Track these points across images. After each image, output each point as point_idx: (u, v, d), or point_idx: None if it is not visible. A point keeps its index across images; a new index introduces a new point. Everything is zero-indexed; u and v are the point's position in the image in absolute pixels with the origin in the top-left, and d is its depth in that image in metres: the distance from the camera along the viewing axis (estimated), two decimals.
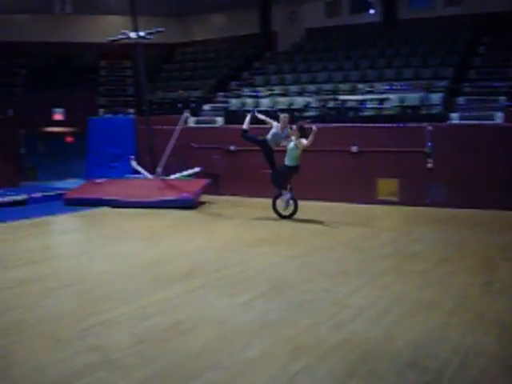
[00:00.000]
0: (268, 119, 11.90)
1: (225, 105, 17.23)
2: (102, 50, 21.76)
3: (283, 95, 16.44)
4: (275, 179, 11.50)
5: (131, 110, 19.28)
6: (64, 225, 12.33)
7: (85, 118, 16.95)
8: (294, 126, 11.30)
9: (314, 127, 10.70)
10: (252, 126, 12.02)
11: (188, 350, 5.01)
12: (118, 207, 13.30)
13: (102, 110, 19.54)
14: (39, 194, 14.31)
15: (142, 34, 15.20)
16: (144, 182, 14.92)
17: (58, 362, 4.76)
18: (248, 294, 6.63)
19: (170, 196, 13.48)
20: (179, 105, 17.88)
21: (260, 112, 12.25)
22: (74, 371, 4.58)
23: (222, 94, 18.20)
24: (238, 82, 18.81)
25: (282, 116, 11.71)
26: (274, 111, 15.47)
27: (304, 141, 10.90)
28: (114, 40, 15.77)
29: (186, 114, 15.75)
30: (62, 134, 19.82)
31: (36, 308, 6.24)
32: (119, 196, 13.65)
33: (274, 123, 11.66)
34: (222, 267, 7.92)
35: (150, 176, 15.33)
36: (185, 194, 13.43)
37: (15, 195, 14.00)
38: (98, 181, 15.06)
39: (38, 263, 8.36)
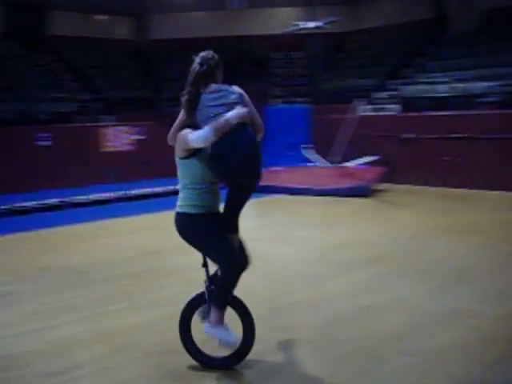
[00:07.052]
0: None
1: (398, 92, 16.94)
2: (274, 41, 22.21)
3: (460, 81, 15.83)
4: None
5: (305, 100, 19.49)
6: (245, 210, 12.72)
7: (259, 108, 17.37)
8: None
9: None
10: None
11: (378, 333, 5.05)
12: (295, 194, 13.54)
13: (275, 100, 19.96)
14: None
15: (318, 24, 15.33)
16: (320, 170, 15.09)
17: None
18: (435, 282, 6.52)
19: (346, 184, 13.52)
20: (352, 93, 17.85)
21: None
22: (268, 347, 4.75)
23: (395, 81, 17.90)
24: (411, 69, 18.39)
25: None
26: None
27: None
28: (291, 31, 16.03)
29: (358, 102, 15.69)
30: None
31: None
32: (296, 183, 13.90)
33: None
34: (405, 255, 7.85)
35: (326, 164, 15.46)
36: (361, 182, 13.41)
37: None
38: (275, 168, 15.47)
39: None
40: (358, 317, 5.48)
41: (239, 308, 4.48)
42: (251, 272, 7.03)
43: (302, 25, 15.40)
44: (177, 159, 4.25)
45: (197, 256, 7.68)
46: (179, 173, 4.27)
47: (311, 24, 15.21)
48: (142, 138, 16.18)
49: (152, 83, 21.10)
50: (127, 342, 5.05)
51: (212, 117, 4.03)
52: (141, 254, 8.30)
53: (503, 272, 6.89)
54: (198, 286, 6.55)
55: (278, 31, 19.14)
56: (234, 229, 4.44)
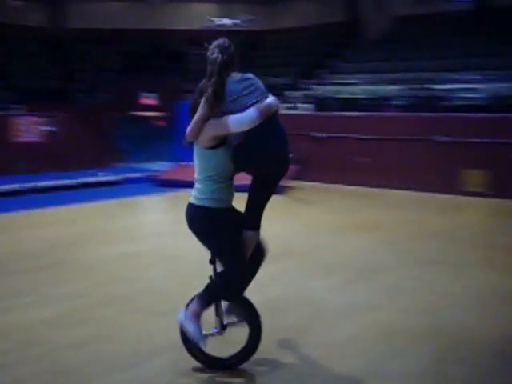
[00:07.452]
0: None
1: (310, 92, 17.32)
2: (190, 37, 22.13)
3: (369, 83, 16.38)
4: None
5: None
6: (154, 205, 12.79)
7: (171, 103, 17.32)
8: None
9: None
10: None
11: (283, 327, 5.18)
12: None
13: (188, 95, 19.86)
14: (131, 175, 14.85)
15: (235, 21, 15.47)
16: None
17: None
18: (339, 276, 6.76)
19: None
20: None
21: None
22: (176, 345, 4.63)
23: (309, 81, 18.30)
24: (323, 70, 18.85)
25: None
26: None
27: None
28: (207, 27, 16.08)
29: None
30: (153, 118, 20.35)
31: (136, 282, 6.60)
32: None
33: None
34: (312, 250, 8.10)
35: None
36: None
37: (109, 175, 14.63)
38: (183, 163, 15.17)
39: (135, 241, 8.71)
40: (263, 311, 5.55)
41: (246, 307, 4.41)
42: (160, 267, 7.13)
43: (218, 21, 15.49)
44: (199, 151, 4.02)
45: (112, 250, 7.63)
46: (200, 165, 4.07)
47: (227, 21, 15.32)
48: (53, 129, 15.82)
49: (65, 73, 20.67)
50: (29, 337, 4.96)
51: (248, 106, 3.89)
52: (50, 247, 8.14)
53: (404, 268, 7.18)
54: (111, 280, 6.58)
55: (195, 26, 19.12)
56: (259, 225, 4.24)
